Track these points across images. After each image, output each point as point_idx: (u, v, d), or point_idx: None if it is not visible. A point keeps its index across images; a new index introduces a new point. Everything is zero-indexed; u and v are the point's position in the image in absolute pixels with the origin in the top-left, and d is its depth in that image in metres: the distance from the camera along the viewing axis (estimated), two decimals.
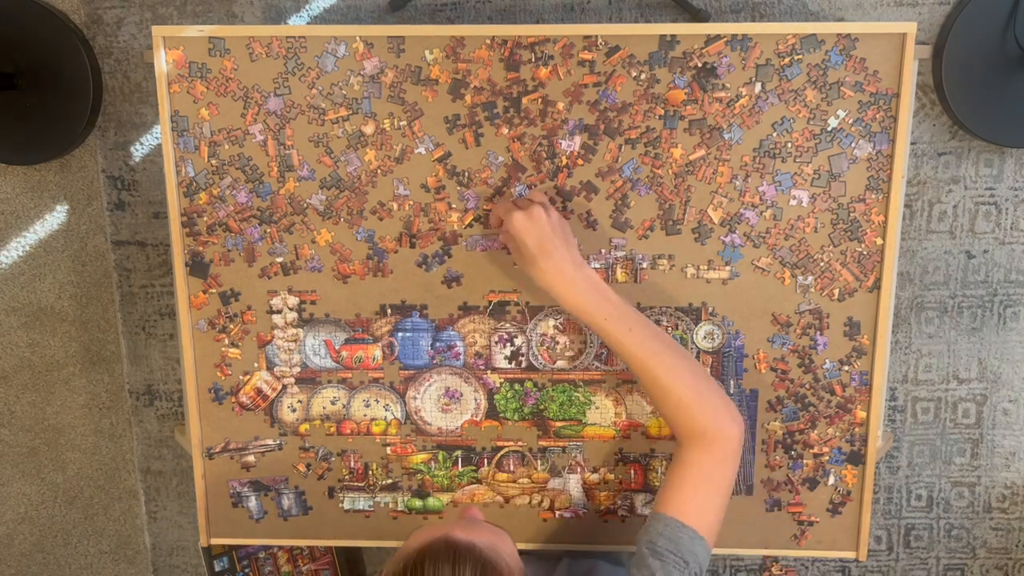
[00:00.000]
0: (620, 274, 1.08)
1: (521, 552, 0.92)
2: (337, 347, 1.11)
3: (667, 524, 0.92)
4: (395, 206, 1.07)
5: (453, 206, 1.07)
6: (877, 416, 1.10)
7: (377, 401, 1.13)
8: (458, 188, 1.07)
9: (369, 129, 1.06)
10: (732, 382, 1.10)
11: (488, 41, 1.03)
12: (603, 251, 1.08)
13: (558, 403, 1.11)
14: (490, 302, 1.10)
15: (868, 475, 1.12)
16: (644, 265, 1.08)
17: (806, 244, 1.06)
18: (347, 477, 1.16)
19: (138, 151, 1.39)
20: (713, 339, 1.10)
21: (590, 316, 0.98)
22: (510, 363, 1.11)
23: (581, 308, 0.98)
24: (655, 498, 0.99)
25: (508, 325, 1.10)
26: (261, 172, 1.07)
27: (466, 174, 1.06)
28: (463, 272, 1.09)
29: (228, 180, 1.08)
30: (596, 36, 1.02)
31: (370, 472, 1.15)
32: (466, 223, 1.08)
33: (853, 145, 1.04)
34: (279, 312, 1.11)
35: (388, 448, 1.14)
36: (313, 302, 1.11)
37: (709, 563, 0.94)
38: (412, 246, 1.09)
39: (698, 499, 0.94)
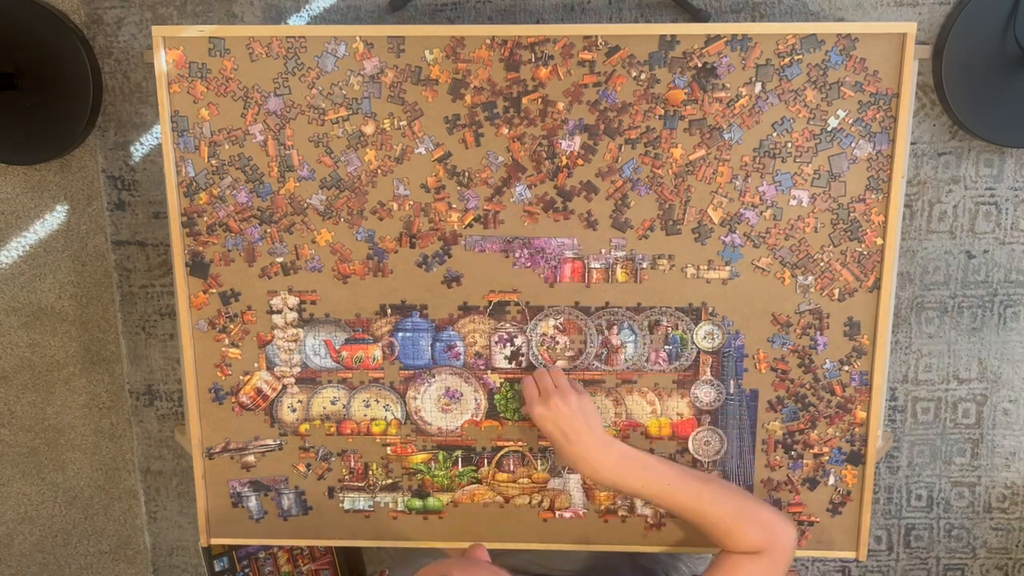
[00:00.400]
0: (620, 274, 1.08)
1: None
2: (337, 347, 1.11)
3: None
4: (395, 206, 1.07)
5: (453, 206, 1.07)
6: (877, 416, 1.10)
7: (377, 401, 1.13)
8: (458, 188, 1.07)
9: (369, 129, 1.06)
10: (732, 382, 1.10)
11: (488, 41, 1.03)
12: (603, 251, 1.08)
13: None
14: (490, 302, 1.10)
15: (868, 475, 1.12)
16: (644, 265, 1.08)
17: (806, 244, 1.06)
18: (347, 477, 1.16)
19: (138, 151, 1.39)
20: (713, 339, 1.10)
21: (628, 488, 1.05)
22: (510, 363, 1.11)
23: (617, 484, 1.05)
24: (707, 572, 1.01)
25: (508, 325, 1.10)
26: (261, 172, 1.07)
27: (466, 174, 1.06)
28: (463, 272, 1.09)
29: (228, 180, 1.08)
30: (596, 36, 1.02)
31: (370, 472, 1.15)
32: (466, 223, 1.08)
33: (853, 145, 1.04)
34: (279, 312, 1.11)
35: (388, 448, 1.14)
36: (313, 302, 1.11)
37: None
38: (412, 246, 1.09)
39: None
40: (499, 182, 1.06)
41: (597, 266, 1.08)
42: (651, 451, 1.13)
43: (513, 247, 1.08)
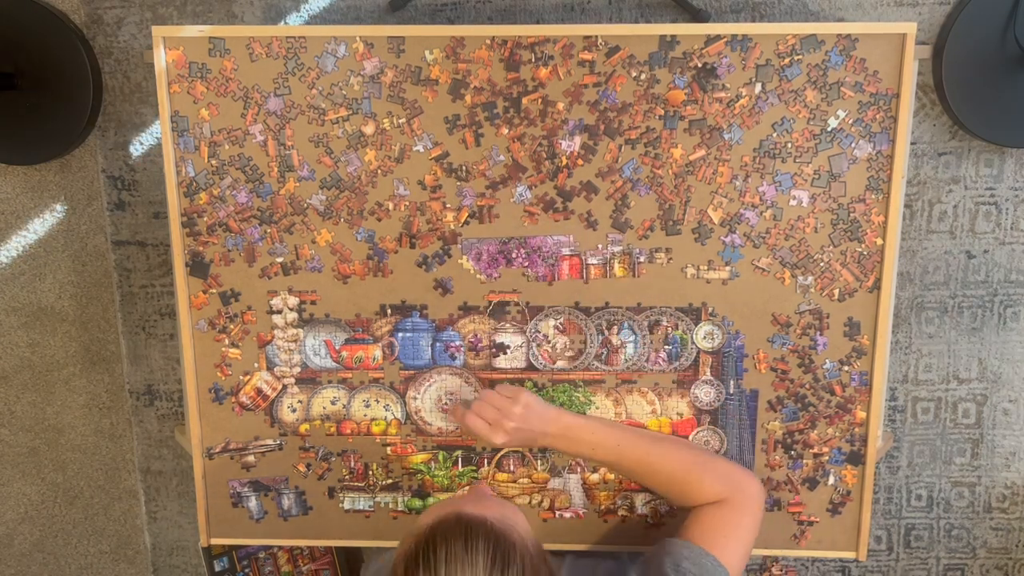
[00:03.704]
0: (618, 269, 1.08)
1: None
2: (337, 347, 1.11)
3: (693, 550, 0.94)
4: (392, 206, 1.07)
5: (448, 205, 1.07)
6: (877, 416, 1.10)
7: (377, 401, 1.13)
8: (456, 183, 1.07)
9: (369, 129, 1.06)
10: (732, 382, 1.10)
11: (488, 41, 1.03)
12: (600, 247, 1.07)
13: (558, 403, 1.11)
14: (490, 302, 1.10)
15: (868, 475, 1.12)
16: (642, 259, 1.08)
17: (806, 244, 1.06)
18: (347, 477, 1.15)
19: (138, 151, 1.39)
20: (713, 339, 1.10)
21: (582, 454, 1.08)
22: (510, 363, 1.11)
23: (573, 453, 1.08)
24: (678, 530, 1.01)
25: (508, 325, 1.10)
26: (261, 172, 1.07)
27: (463, 168, 1.06)
28: (463, 272, 1.09)
29: (228, 180, 1.07)
30: (596, 36, 1.02)
31: (370, 472, 1.15)
32: (461, 221, 1.07)
33: (853, 145, 1.04)
34: (279, 312, 1.11)
35: (388, 448, 1.14)
36: (313, 302, 1.11)
37: None
38: (412, 246, 1.08)
39: (721, 536, 0.96)
40: (497, 177, 1.06)
41: (595, 262, 1.08)
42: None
43: (510, 247, 1.08)
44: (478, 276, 1.09)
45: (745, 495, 1.00)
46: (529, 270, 1.08)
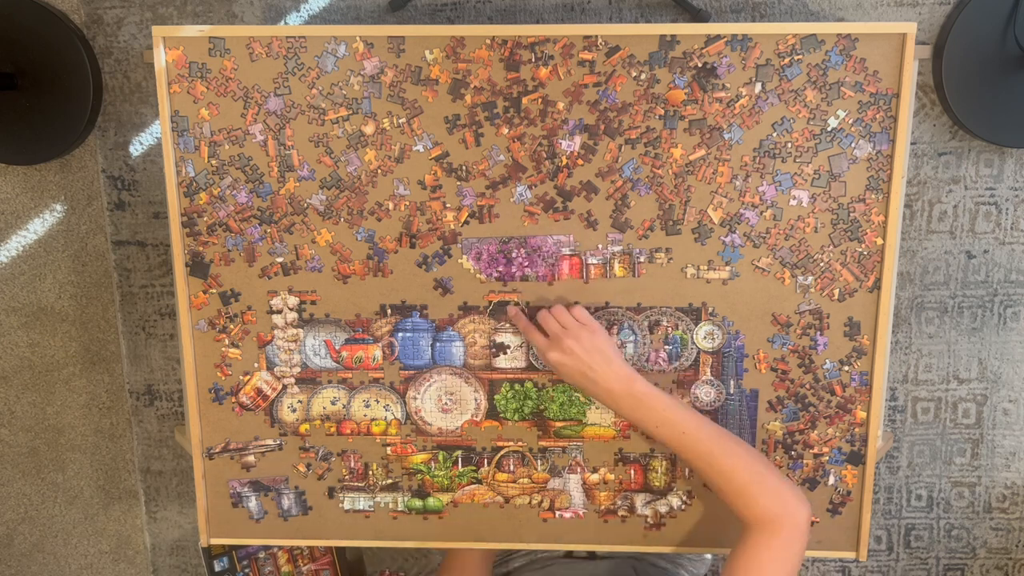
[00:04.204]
0: (618, 269, 1.08)
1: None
2: (337, 347, 1.11)
3: None
4: (391, 206, 1.07)
5: (448, 204, 1.07)
6: (877, 416, 1.10)
7: (377, 401, 1.13)
8: (457, 183, 1.07)
9: (369, 129, 1.06)
10: (732, 382, 1.10)
11: (488, 41, 1.03)
12: (600, 246, 1.07)
13: (558, 403, 1.11)
14: (490, 302, 1.10)
15: (868, 475, 1.12)
16: (642, 259, 1.08)
17: (806, 244, 1.06)
18: (347, 477, 1.15)
19: (138, 151, 1.39)
20: (713, 339, 1.10)
21: (643, 426, 1.03)
22: (510, 363, 1.11)
23: (633, 420, 1.03)
24: (722, 569, 0.99)
25: (508, 325, 1.10)
26: (261, 172, 1.07)
27: (464, 168, 1.06)
28: (463, 272, 1.09)
29: (228, 180, 1.07)
30: (596, 36, 1.02)
31: (370, 472, 1.15)
32: (462, 220, 1.07)
33: (853, 145, 1.04)
34: (279, 312, 1.11)
35: (388, 448, 1.14)
36: (313, 302, 1.11)
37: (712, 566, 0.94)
38: (412, 246, 1.08)
39: None
40: (497, 177, 1.06)
41: (595, 261, 1.08)
42: (651, 451, 1.13)
43: (510, 247, 1.08)
44: (478, 276, 1.09)
45: (794, 523, 0.96)
46: (529, 270, 1.08)
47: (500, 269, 1.08)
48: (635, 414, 1.02)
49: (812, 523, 1.13)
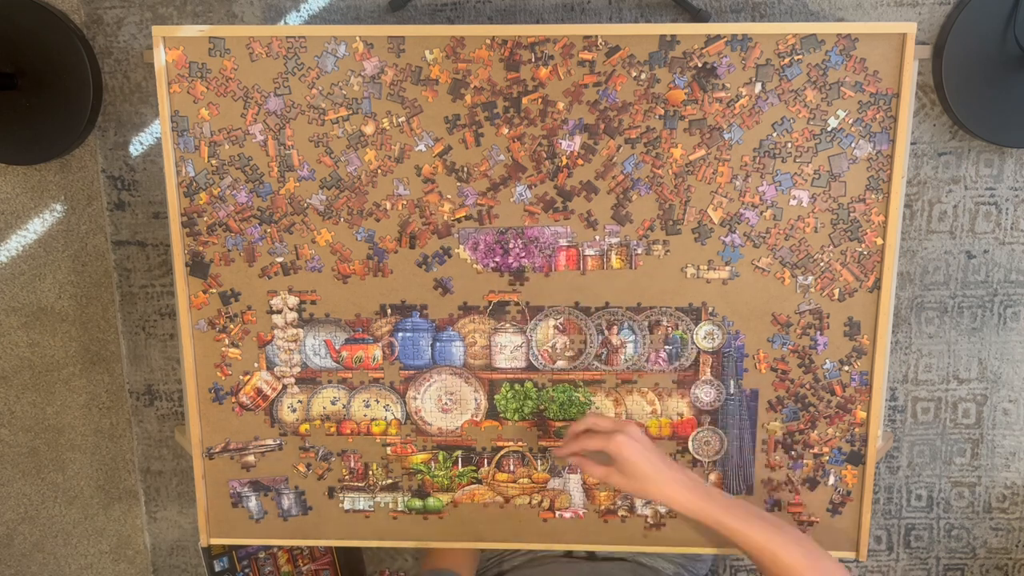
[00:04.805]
0: (615, 261, 1.08)
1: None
2: (337, 347, 1.11)
3: None
4: (391, 206, 1.07)
5: (447, 197, 1.07)
6: (877, 416, 1.10)
7: (377, 401, 1.13)
8: (457, 184, 1.07)
9: (369, 129, 1.06)
10: (732, 382, 1.10)
11: (488, 41, 1.03)
12: (597, 238, 1.07)
13: (558, 403, 1.11)
14: (490, 302, 1.10)
15: (868, 475, 1.12)
16: (639, 251, 1.07)
17: (806, 244, 1.06)
18: (347, 477, 1.15)
19: (138, 151, 1.39)
20: (713, 339, 1.10)
21: (704, 520, 0.98)
22: (510, 363, 1.11)
23: (696, 516, 0.98)
24: None
25: (508, 325, 1.10)
26: (261, 172, 1.07)
27: (464, 169, 1.06)
28: (460, 262, 1.09)
29: (228, 180, 1.07)
30: (596, 36, 1.02)
31: (370, 472, 1.15)
32: (456, 217, 1.07)
33: (853, 145, 1.04)
34: (279, 312, 1.11)
35: (388, 448, 1.14)
36: (313, 302, 1.11)
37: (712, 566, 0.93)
38: (412, 246, 1.08)
39: None
40: (497, 177, 1.06)
41: (592, 253, 1.08)
42: None
43: (506, 237, 1.08)
44: (475, 266, 1.09)
45: None
46: (526, 261, 1.08)
47: (497, 260, 1.08)
48: (698, 513, 0.98)
49: (812, 524, 1.13)
